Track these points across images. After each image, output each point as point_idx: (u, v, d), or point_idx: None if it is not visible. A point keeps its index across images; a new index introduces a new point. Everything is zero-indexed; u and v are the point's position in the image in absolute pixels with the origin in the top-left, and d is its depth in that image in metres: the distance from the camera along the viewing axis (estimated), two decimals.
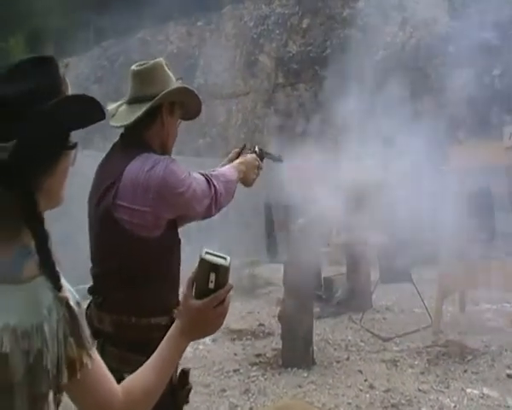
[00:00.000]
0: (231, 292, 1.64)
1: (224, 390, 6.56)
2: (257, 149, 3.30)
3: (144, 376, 1.65)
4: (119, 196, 2.50)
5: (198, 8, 24.39)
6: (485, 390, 6.25)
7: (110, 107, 2.77)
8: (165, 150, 2.75)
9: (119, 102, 2.78)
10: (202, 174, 2.76)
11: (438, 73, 15.70)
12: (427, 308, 8.63)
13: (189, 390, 2.66)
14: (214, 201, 2.74)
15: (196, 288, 1.62)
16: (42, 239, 1.46)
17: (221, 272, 1.58)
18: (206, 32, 24.44)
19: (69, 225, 11.65)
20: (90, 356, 1.51)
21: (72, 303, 1.49)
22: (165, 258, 2.63)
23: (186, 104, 2.83)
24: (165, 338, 1.70)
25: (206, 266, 1.58)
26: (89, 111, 1.54)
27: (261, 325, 9.03)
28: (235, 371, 7.15)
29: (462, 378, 6.62)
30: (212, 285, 1.59)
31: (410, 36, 17.69)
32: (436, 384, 6.51)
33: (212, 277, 1.58)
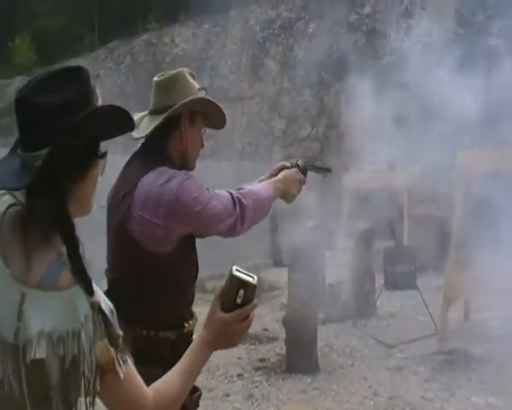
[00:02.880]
0: (256, 309, 1.74)
1: (227, 395, 6.53)
2: (299, 162, 3.17)
3: (171, 381, 1.70)
4: (133, 207, 2.48)
5: (204, 11, 24.39)
6: (491, 400, 6.21)
7: (134, 118, 2.75)
8: (185, 161, 2.71)
9: (143, 113, 2.76)
10: (229, 192, 2.70)
11: (444, 78, 15.63)
12: (431, 316, 8.59)
13: (200, 396, 2.66)
14: (240, 219, 2.67)
15: (224, 302, 1.73)
16: (73, 245, 1.49)
17: (249, 289, 1.69)
18: (212, 34, 24.44)
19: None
20: (123, 359, 1.54)
21: (104, 308, 1.50)
22: (176, 273, 2.59)
23: (209, 114, 2.78)
24: (191, 346, 1.76)
25: (235, 283, 1.69)
26: (118, 121, 1.59)
27: (265, 329, 8.99)
28: (238, 375, 7.12)
29: (467, 387, 6.58)
30: (239, 301, 1.70)
31: (416, 41, 17.65)
32: (441, 392, 6.47)
33: (241, 293, 1.69)
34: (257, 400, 6.41)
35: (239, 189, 2.80)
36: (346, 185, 14.08)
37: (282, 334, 7.66)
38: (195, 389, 2.61)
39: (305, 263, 7.45)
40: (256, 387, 6.77)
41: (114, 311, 1.55)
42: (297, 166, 3.16)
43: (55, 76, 1.53)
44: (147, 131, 2.63)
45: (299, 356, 7.12)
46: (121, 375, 1.51)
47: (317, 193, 7.17)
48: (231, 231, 2.70)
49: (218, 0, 20.95)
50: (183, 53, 24.56)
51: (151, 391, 1.63)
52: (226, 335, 1.75)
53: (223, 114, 2.81)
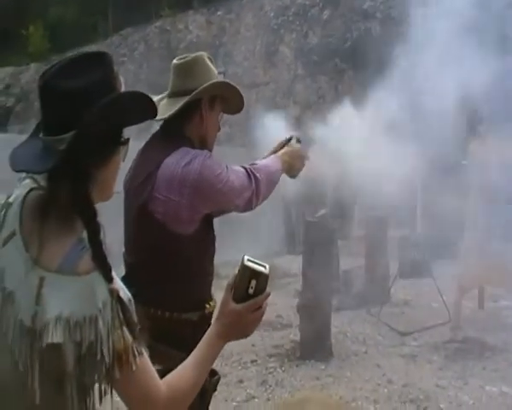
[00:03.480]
0: (268, 299, 1.73)
1: (241, 381, 6.55)
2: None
3: (185, 374, 1.69)
4: (156, 188, 2.49)
5: None
6: (505, 388, 6.19)
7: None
8: (204, 144, 2.73)
9: (160, 96, 2.77)
10: (243, 167, 2.75)
11: (458, 66, 15.49)
12: (445, 304, 8.56)
13: (218, 379, 2.69)
14: (255, 193, 2.71)
15: (236, 292, 1.71)
16: (94, 230, 1.49)
17: (261, 279, 1.68)
18: (225, 21, 24.37)
19: None
20: (139, 350, 1.53)
21: (122, 296, 1.50)
22: (198, 254, 2.61)
23: (228, 98, 2.80)
24: (203, 338, 1.75)
25: (247, 273, 1.68)
26: (142, 107, 1.60)
27: (279, 316, 8.99)
28: (252, 362, 7.14)
29: (481, 375, 6.56)
30: (251, 291, 1.69)
31: (432, 29, 17.49)
32: (454, 380, 6.46)
33: (253, 283, 1.68)
34: (270, 386, 6.42)
35: (252, 164, 2.82)
36: (360, 172, 14.01)
37: (296, 321, 7.66)
38: (214, 373, 2.64)
39: (318, 250, 7.44)
40: (270, 373, 6.78)
41: (132, 300, 1.55)
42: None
43: (79, 61, 1.54)
44: (168, 114, 2.64)
45: (313, 343, 7.13)
46: (134, 367, 1.50)
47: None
48: (248, 205, 2.75)
49: None
50: (197, 40, 24.52)
51: (164, 384, 1.62)
52: (239, 326, 1.74)
53: (241, 98, 2.83)
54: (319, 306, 7.15)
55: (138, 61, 26.73)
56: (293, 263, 10.33)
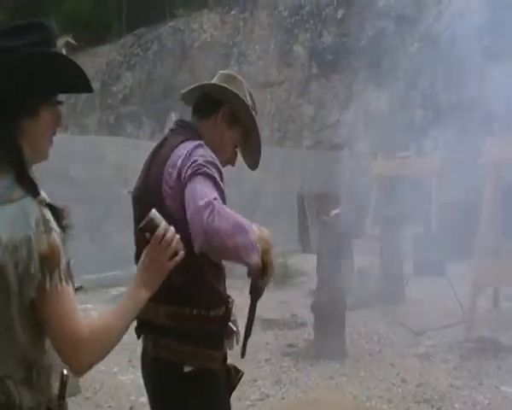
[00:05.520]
0: (166, 227, 1.85)
1: (255, 380, 6.54)
2: None
3: (106, 319, 1.78)
4: (166, 181, 2.46)
5: None
6: None
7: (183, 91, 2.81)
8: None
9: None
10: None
11: (473, 66, 15.49)
12: (460, 303, 8.54)
13: (242, 376, 2.73)
14: (211, 215, 2.19)
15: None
16: (18, 161, 1.61)
17: (148, 224, 1.85)
18: (240, 20, 24.38)
19: (97, 210, 11.60)
20: (66, 279, 1.63)
21: (53, 204, 1.64)
22: None
23: (247, 144, 2.76)
24: (125, 290, 1.86)
25: (141, 234, 1.88)
26: (75, 75, 1.70)
27: (293, 315, 9.01)
28: (266, 360, 7.14)
29: (496, 375, 6.53)
30: (148, 235, 1.85)
31: (446, 28, 17.47)
32: (469, 380, 6.43)
33: (147, 235, 1.85)
34: (285, 385, 6.42)
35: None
36: (374, 172, 14.01)
37: (311, 320, 7.66)
38: (238, 371, 2.70)
39: (333, 249, 7.44)
40: (284, 372, 6.78)
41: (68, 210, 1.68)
42: None
43: (21, 26, 1.66)
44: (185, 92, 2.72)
45: (328, 342, 7.12)
46: (61, 280, 1.60)
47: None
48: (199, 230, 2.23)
49: None
50: (212, 39, 24.55)
51: (87, 324, 1.70)
52: (151, 265, 1.85)
53: (259, 155, 2.80)
54: (333, 305, 7.15)
55: (152, 61, 26.79)
56: (308, 262, 10.31)
